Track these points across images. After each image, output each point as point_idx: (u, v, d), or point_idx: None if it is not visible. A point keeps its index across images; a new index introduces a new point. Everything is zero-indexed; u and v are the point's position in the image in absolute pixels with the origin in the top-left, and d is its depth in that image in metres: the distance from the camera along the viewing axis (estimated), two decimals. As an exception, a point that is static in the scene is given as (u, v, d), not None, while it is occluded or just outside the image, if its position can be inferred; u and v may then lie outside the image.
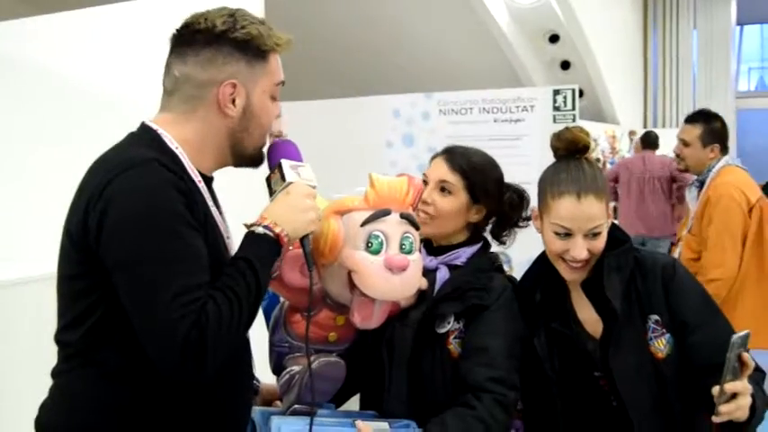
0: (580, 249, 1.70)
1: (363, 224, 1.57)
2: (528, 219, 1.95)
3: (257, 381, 1.81)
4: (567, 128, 1.79)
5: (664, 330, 1.72)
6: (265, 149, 1.58)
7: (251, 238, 1.44)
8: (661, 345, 1.71)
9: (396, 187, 1.63)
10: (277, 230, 1.44)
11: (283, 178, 1.51)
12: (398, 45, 7.19)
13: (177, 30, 1.51)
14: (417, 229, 1.64)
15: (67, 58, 3.11)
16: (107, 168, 1.38)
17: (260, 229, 1.43)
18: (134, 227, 1.33)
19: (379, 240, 1.57)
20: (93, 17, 3.18)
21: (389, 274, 1.57)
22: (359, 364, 1.88)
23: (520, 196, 1.95)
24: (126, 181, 1.34)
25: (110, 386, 1.40)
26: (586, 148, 1.78)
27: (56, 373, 1.47)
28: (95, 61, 3.16)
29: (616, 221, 2.95)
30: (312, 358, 1.59)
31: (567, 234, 1.70)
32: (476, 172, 1.87)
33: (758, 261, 3.46)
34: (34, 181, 2.79)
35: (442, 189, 1.86)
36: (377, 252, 1.57)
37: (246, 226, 1.46)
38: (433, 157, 1.96)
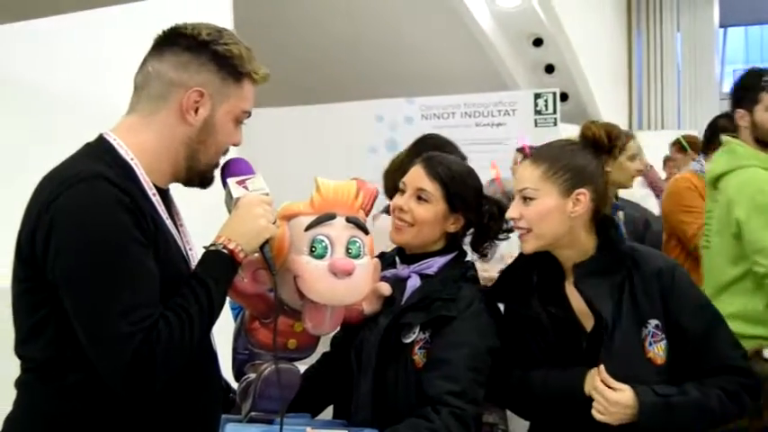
0: (512, 209, 1.76)
1: (307, 228, 1.56)
2: (509, 231, 1.93)
3: (232, 392, 1.79)
4: (592, 123, 1.82)
5: (663, 336, 1.70)
6: (217, 173, 1.58)
7: (205, 257, 1.46)
8: (660, 350, 1.70)
9: (342, 191, 1.62)
10: (231, 246, 1.45)
11: (231, 196, 1.53)
12: (382, 49, 7.18)
13: (163, 31, 1.52)
14: (366, 233, 1.62)
15: (42, 65, 3.09)
16: (54, 183, 1.38)
17: (213, 247, 1.45)
18: (78, 246, 1.33)
19: (324, 245, 1.56)
20: (68, 23, 3.16)
21: (334, 279, 1.55)
22: (334, 371, 1.87)
23: (499, 208, 1.92)
24: (71, 198, 1.34)
25: (67, 400, 1.39)
26: (598, 144, 1.78)
27: (18, 385, 1.46)
28: (70, 69, 3.14)
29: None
30: (265, 366, 1.58)
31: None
32: (454, 181, 1.85)
33: None
34: (7, 190, 2.76)
35: (419, 197, 1.84)
36: (321, 256, 1.56)
37: (205, 248, 1.46)
38: (411, 164, 1.94)
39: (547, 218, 1.72)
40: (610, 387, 1.64)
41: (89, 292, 1.31)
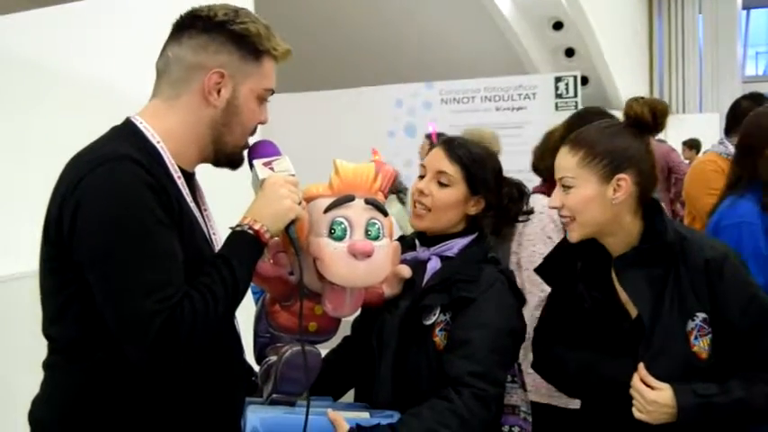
0: (553, 197, 1.71)
1: (326, 210, 1.56)
2: (528, 212, 1.92)
3: (255, 375, 1.80)
4: (635, 100, 1.74)
5: (710, 330, 1.64)
6: (246, 153, 1.58)
7: (231, 237, 1.45)
8: (705, 344, 1.63)
9: (361, 173, 1.61)
10: (256, 227, 1.44)
11: (257, 177, 1.53)
12: (400, 33, 7.16)
13: (180, 15, 1.52)
14: (385, 215, 1.62)
15: (65, 51, 3.11)
16: (81, 164, 1.39)
17: (239, 228, 1.45)
18: (104, 225, 1.33)
19: (343, 227, 1.55)
20: (91, 10, 3.17)
21: (353, 261, 1.54)
22: (355, 355, 1.87)
23: (519, 190, 1.91)
24: (98, 178, 1.34)
25: (94, 379, 1.40)
26: (641, 123, 1.72)
27: (45, 366, 1.48)
28: (93, 55, 3.15)
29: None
30: (285, 348, 1.58)
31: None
32: (475, 163, 1.83)
33: None
34: (31, 176, 2.79)
35: (440, 181, 1.83)
36: (340, 238, 1.55)
37: (231, 228, 1.47)
38: (431, 147, 1.94)
39: (588, 206, 1.66)
40: (649, 386, 1.60)
41: (114, 270, 1.32)
